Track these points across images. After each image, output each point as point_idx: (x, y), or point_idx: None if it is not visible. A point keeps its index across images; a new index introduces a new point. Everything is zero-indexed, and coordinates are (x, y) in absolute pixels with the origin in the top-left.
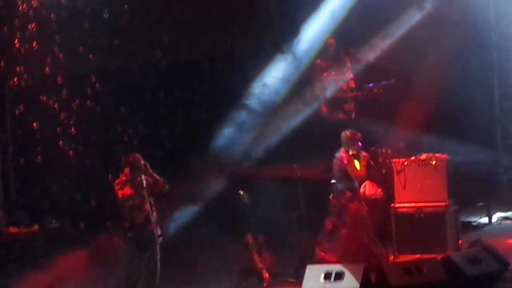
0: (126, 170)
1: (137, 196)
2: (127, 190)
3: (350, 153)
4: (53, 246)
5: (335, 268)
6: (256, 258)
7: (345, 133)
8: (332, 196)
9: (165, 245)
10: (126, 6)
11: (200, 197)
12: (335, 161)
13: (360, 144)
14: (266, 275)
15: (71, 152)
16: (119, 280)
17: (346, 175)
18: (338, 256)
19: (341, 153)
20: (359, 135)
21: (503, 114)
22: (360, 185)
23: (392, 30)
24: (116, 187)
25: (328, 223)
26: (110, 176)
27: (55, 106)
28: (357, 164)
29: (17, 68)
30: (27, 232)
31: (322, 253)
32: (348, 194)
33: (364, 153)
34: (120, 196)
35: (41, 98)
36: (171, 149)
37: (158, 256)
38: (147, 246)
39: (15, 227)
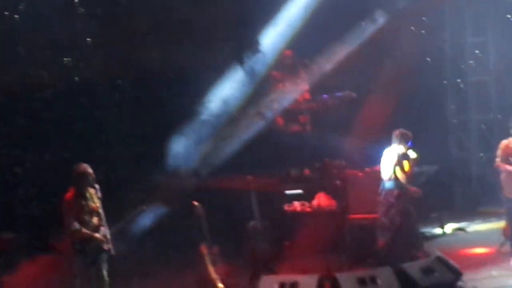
0: (76, 181)
1: (87, 208)
2: (75, 202)
3: (400, 152)
4: (7, 257)
5: (290, 278)
6: (210, 269)
7: (395, 132)
8: (380, 194)
9: (117, 257)
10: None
11: (157, 209)
12: (383, 158)
13: (410, 143)
14: (221, 285)
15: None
16: None
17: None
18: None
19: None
20: (409, 134)
21: (457, 126)
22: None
23: (347, 42)
24: (66, 199)
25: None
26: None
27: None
28: (405, 164)
29: None
30: None
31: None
32: (396, 192)
33: (413, 153)
34: (68, 207)
35: None
36: (127, 164)
37: (106, 268)
38: (95, 259)
39: None
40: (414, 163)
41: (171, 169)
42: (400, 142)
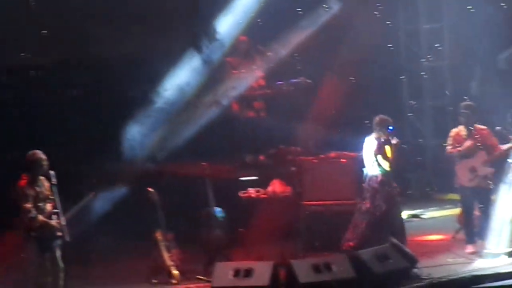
0: (29, 168)
1: (41, 195)
2: (29, 189)
3: (382, 139)
4: None
5: (245, 265)
6: (165, 255)
7: (375, 119)
8: (364, 181)
9: (72, 244)
10: None
11: (112, 196)
12: (365, 146)
13: (390, 129)
14: (175, 272)
15: None
16: (29, 281)
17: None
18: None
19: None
20: (389, 120)
21: (412, 113)
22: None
23: (302, 29)
24: (19, 186)
25: (361, 208)
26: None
27: None
28: (387, 150)
29: None
30: None
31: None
32: (380, 178)
33: (395, 139)
34: (23, 194)
35: None
36: (82, 151)
37: (60, 255)
38: (50, 245)
39: None
40: (396, 148)
41: (126, 156)
42: (380, 129)
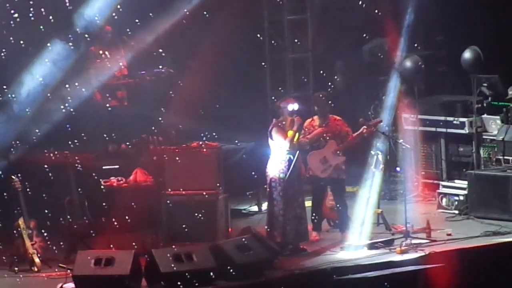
0: None
1: None
2: None
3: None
4: None
5: (106, 254)
6: (28, 243)
7: (275, 105)
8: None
9: None
10: None
11: None
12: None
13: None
14: (37, 260)
15: None
16: None
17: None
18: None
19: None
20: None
21: (275, 103)
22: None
23: (166, 18)
24: None
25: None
26: None
27: None
28: (289, 133)
29: None
30: None
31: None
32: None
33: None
34: None
35: None
36: None
37: None
38: None
39: None
40: (297, 129)
41: None
42: (281, 114)
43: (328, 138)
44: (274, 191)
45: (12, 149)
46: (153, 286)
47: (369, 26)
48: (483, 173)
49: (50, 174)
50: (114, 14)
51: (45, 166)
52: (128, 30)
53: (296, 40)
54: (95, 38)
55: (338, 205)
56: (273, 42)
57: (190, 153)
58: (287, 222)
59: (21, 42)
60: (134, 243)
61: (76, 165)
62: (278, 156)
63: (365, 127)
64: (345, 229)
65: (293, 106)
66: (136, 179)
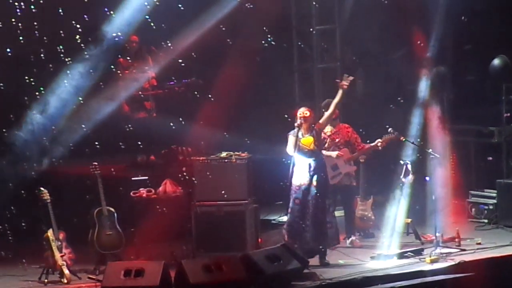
0: None
1: None
2: None
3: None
4: None
5: (135, 265)
6: (57, 255)
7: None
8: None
9: None
10: None
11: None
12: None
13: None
14: (67, 272)
15: None
16: None
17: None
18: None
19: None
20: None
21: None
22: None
23: (194, 30)
24: None
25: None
26: None
27: None
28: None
29: None
30: None
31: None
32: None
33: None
34: None
35: None
36: None
37: None
38: None
39: None
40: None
41: (14, 156)
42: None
43: (341, 146)
44: (290, 199)
45: (41, 161)
46: None
47: (398, 36)
48: None
49: (79, 186)
50: (141, 24)
51: (74, 177)
52: (156, 40)
53: (325, 48)
54: (122, 49)
55: (345, 211)
56: (302, 52)
57: (220, 163)
58: (305, 229)
59: (42, 56)
60: (163, 254)
61: (106, 176)
62: (297, 165)
63: (379, 140)
64: (349, 234)
65: (304, 113)
66: (165, 190)
